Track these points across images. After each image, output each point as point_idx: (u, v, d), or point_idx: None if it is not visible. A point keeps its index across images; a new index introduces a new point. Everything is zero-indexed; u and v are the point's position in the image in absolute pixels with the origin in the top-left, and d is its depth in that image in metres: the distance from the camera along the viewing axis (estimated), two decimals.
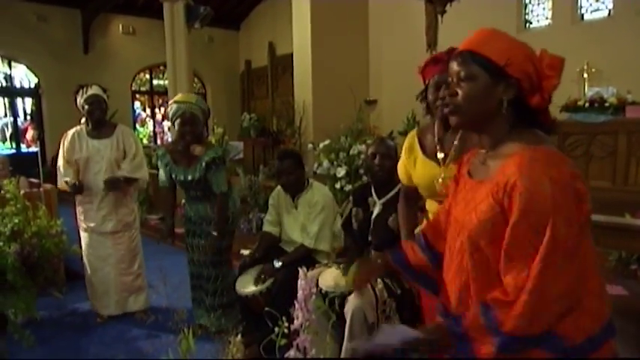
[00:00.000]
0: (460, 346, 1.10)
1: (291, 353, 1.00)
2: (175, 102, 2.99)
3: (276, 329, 1.02)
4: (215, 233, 2.97)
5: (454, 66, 1.18)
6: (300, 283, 1.04)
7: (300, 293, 1.03)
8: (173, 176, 3.09)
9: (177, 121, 2.92)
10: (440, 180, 1.83)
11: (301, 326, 1.01)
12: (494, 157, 1.16)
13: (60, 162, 3.40)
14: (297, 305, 1.03)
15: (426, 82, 1.89)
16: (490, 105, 1.14)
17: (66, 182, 3.31)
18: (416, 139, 2.00)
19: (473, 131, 1.23)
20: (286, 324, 1.02)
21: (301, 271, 1.07)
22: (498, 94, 1.13)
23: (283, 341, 1.01)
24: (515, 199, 1.03)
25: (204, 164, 2.93)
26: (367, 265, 1.55)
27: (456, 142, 1.82)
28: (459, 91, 1.16)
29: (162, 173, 3.16)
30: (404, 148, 2.04)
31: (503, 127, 1.16)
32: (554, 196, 1.01)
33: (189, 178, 3.00)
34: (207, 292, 3.10)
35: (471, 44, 1.17)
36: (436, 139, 1.89)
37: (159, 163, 3.16)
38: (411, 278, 1.48)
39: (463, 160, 1.34)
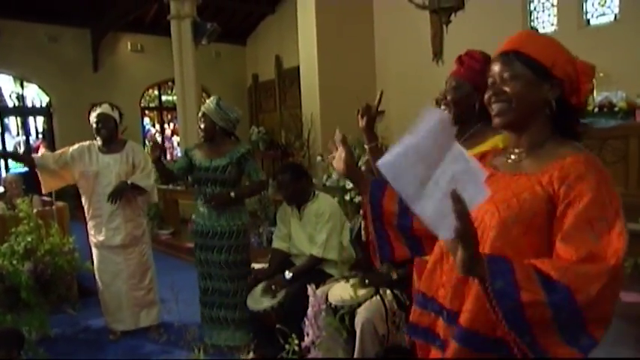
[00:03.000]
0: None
1: None
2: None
3: (287, 346, 1.03)
4: (232, 194, 3.01)
5: (496, 67, 1.18)
6: (310, 300, 1.04)
7: (309, 310, 1.03)
8: (196, 163, 3.12)
9: (200, 121, 3.17)
10: None
11: (312, 343, 1.01)
12: (536, 156, 1.16)
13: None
14: (307, 322, 1.03)
15: None
16: (536, 104, 1.15)
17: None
18: None
19: (514, 131, 1.21)
20: (297, 341, 1.02)
21: (310, 289, 1.07)
22: (544, 94, 1.14)
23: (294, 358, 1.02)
24: (578, 190, 1.04)
25: (239, 154, 3.07)
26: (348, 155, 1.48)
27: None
28: (508, 90, 1.15)
29: (180, 161, 3.27)
30: None
31: (546, 129, 1.17)
32: (614, 200, 1.04)
33: (215, 164, 3.05)
34: (220, 306, 3.09)
35: (514, 44, 1.18)
36: None
37: (183, 156, 3.29)
38: (372, 217, 1.41)
39: (484, 157, 1.33)
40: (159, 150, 3.12)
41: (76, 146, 3.46)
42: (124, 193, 3.33)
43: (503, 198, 1.13)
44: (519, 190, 1.12)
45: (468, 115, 1.76)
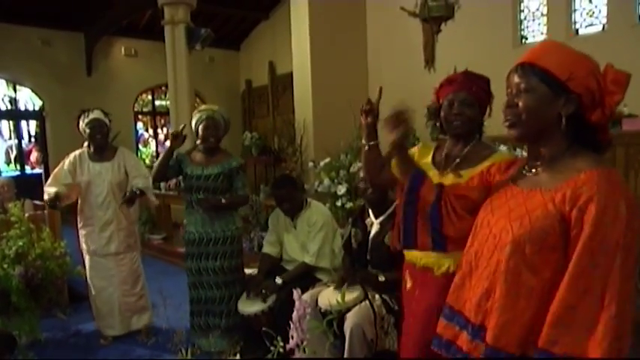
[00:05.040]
0: None
1: None
2: (199, 110, 3.18)
3: (273, 348, 1.06)
4: (223, 200, 3.03)
5: (515, 78, 1.18)
6: (296, 303, 1.08)
7: (294, 313, 1.07)
8: (188, 172, 3.11)
9: (201, 125, 3.09)
10: None
11: (297, 345, 1.04)
12: (553, 170, 1.16)
13: (49, 179, 3.41)
14: (292, 325, 1.06)
15: (440, 101, 1.91)
16: (548, 118, 1.14)
17: (48, 202, 3.28)
18: (432, 149, 1.99)
19: (530, 143, 1.23)
20: (282, 343, 1.06)
21: (295, 293, 1.11)
22: (557, 108, 1.13)
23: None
24: (589, 213, 1.03)
25: (232, 166, 3.08)
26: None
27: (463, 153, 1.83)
28: (519, 103, 1.16)
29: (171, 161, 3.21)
30: (419, 147, 2.03)
31: (563, 142, 1.16)
32: (629, 220, 1.03)
33: (207, 172, 3.05)
34: (218, 315, 3.09)
35: (532, 56, 1.17)
36: (444, 153, 1.90)
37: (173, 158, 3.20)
38: (406, 200, 1.50)
39: (502, 168, 1.37)
40: (181, 141, 3.09)
41: (70, 158, 3.43)
42: (135, 199, 3.35)
43: (517, 215, 1.14)
44: (532, 208, 1.12)
45: (474, 131, 1.85)
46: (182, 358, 1.10)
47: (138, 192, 3.34)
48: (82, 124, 3.39)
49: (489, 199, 1.30)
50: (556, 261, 1.08)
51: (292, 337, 1.06)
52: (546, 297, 1.08)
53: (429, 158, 1.94)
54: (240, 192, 3.14)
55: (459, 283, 1.28)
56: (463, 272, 1.28)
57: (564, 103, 1.12)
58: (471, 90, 1.81)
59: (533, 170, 1.21)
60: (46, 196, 3.31)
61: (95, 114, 3.38)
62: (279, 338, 1.06)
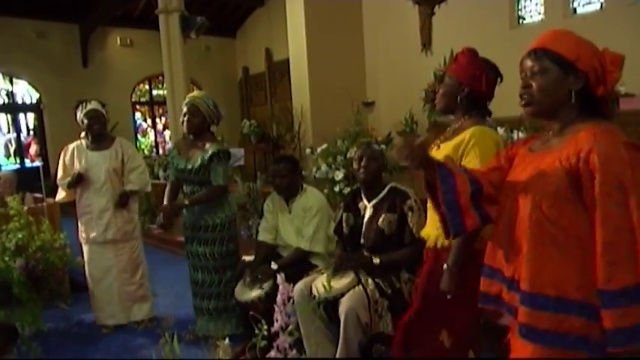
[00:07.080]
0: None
1: (272, 354, 1.07)
2: (185, 103, 3.17)
3: (257, 332, 1.09)
4: (186, 202, 3.06)
5: (528, 62, 1.32)
6: (280, 288, 1.10)
7: (278, 297, 1.09)
8: (174, 163, 3.16)
9: (183, 114, 3.11)
10: None
11: (281, 328, 1.07)
12: (561, 135, 1.31)
13: (59, 174, 3.52)
14: (276, 309, 1.09)
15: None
16: (560, 95, 1.29)
17: (68, 184, 3.41)
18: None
19: (545, 119, 1.36)
20: (266, 327, 1.08)
21: (279, 277, 1.13)
22: (568, 86, 1.28)
23: (263, 343, 1.08)
24: (593, 163, 1.17)
25: (208, 155, 3.03)
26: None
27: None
28: (533, 84, 1.30)
29: (171, 171, 3.29)
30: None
31: (571, 114, 1.31)
32: (630, 157, 1.17)
33: (189, 166, 3.07)
34: (209, 297, 3.14)
35: (543, 42, 1.32)
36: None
37: (171, 167, 3.29)
38: (444, 189, 1.37)
39: (521, 142, 1.49)
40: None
41: (68, 150, 3.51)
42: (127, 201, 3.47)
43: (532, 175, 1.30)
44: (543, 167, 1.28)
45: (454, 106, 1.91)
46: (166, 345, 1.13)
47: (130, 193, 3.48)
48: (79, 115, 3.44)
49: (512, 168, 1.43)
50: (571, 210, 1.22)
51: (277, 320, 1.09)
52: (569, 243, 1.23)
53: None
54: (213, 182, 3.05)
55: (495, 245, 1.42)
56: (497, 234, 1.41)
57: (574, 80, 1.28)
58: (451, 68, 1.92)
59: (547, 139, 1.36)
60: (63, 187, 3.48)
61: (92, 104, 3.44)
62: (263, 322, 1.09)
